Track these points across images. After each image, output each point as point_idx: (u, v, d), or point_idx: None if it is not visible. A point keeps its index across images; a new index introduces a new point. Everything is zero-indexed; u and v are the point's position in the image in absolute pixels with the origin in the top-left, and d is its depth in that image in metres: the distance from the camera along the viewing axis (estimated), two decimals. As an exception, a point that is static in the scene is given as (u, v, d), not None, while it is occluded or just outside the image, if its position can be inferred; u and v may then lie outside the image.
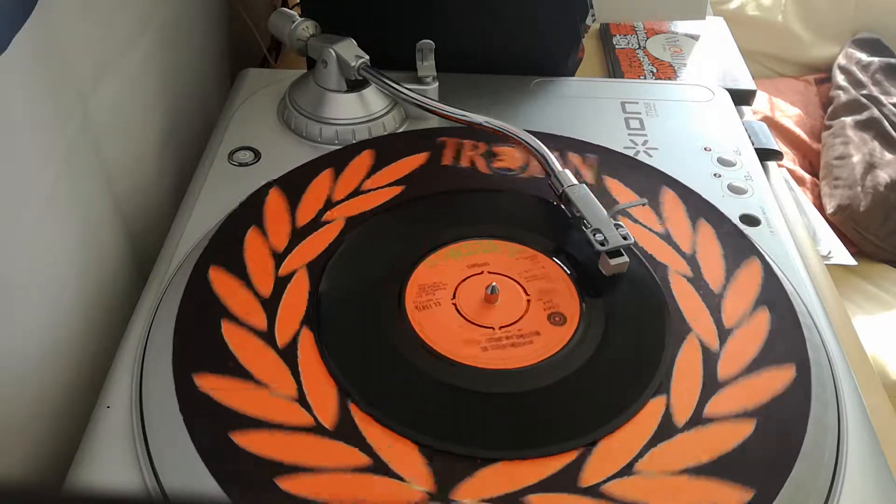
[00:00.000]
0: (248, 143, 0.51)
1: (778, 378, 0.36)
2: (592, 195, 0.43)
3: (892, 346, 0.95)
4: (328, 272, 0.41)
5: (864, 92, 1.24)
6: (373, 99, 0.52)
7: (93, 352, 0.41)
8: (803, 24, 1.36)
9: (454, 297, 0.40)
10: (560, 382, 0.36)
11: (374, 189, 0.46)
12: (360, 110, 0.52)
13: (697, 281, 0.41)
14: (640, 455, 0.33)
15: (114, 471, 0.33)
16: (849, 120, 1.20)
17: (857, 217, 1.10)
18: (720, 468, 0.33)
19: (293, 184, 0.46)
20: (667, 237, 0.44)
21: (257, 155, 0.50)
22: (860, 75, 1.27)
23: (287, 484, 0.31)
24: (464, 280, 0.41)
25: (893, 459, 0.35)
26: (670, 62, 0.71)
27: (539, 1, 0.56)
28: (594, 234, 0.41)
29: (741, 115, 0.60)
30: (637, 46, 0.74)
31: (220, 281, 0.40)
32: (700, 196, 0.47)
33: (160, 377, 0.36)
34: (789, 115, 1.26)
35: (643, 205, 0.45)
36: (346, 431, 0.33)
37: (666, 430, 0.34)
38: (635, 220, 0.45)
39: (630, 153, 0.51)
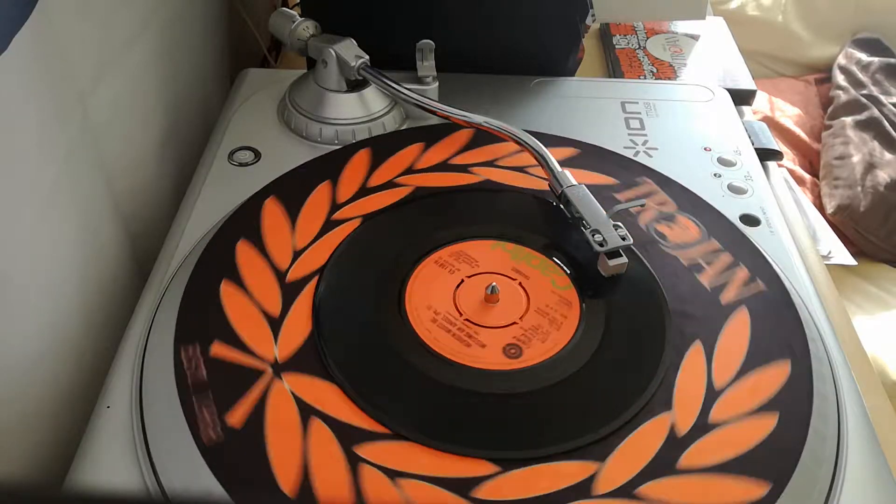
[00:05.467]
0: (248, 143, 0.51)
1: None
2: (591, 196, 0.43)
3: (892, 346, 0.95)
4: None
5: (864, 92, 1.24)
6: (373, 99, 0.52)
7: (93, 352, 0.41)
8: (803, 24, 1.36)
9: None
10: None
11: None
12: (360, 110, 0.52)
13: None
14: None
15: (114, 471, 0.33)
16: (849, 120, 1.20)
17: (857, 217, 1.10)
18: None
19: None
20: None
21: (257, 155, 0.50)
22: (860, 75, 1.27)
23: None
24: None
25: (893, 459, 0.35)
26: (670, 62, 0.71)
27: (539, 1, 0.56)
28: (593, 235, 0.41)
29: (741, 115, 0.60)
30: (637, 46, 0.74)
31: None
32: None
33: (160, 377, 0.36)
34: (789, 115, 1.26)
35: (642, 206, 0.45)
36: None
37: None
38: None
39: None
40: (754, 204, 0.48)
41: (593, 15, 0.59)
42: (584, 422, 0.34)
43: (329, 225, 0.44)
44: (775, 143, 0.58)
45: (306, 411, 0.34)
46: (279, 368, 0.36)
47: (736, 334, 0.38)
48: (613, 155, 0.50)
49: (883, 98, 1.22)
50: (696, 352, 0.38)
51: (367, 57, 0.51)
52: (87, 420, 0.35)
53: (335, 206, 0.45)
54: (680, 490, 0.32)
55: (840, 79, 1.29)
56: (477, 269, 0.42)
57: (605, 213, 0.42)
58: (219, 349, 0.37)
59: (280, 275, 0.41)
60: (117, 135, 0.45)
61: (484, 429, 0.34)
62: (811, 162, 1.23)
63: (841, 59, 1.33)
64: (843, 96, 1.25)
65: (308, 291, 0.40)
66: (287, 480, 0.32)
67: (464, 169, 0.48)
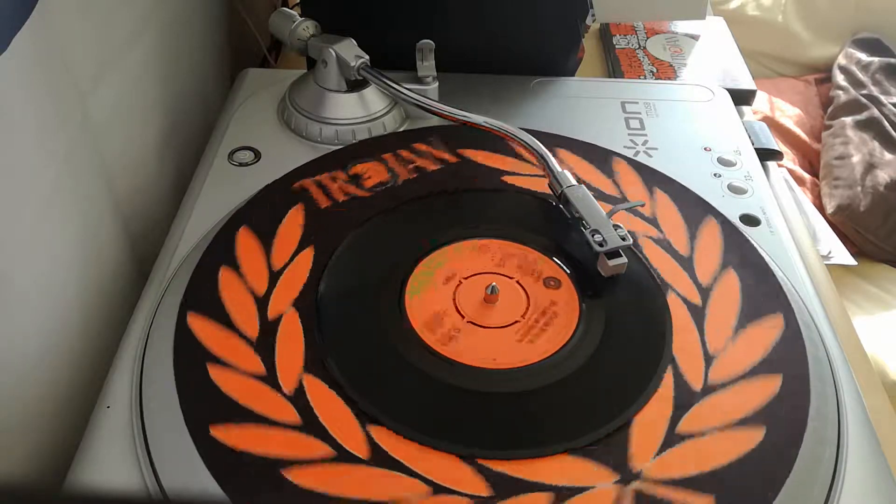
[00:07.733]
0: (248, 143, 0.51)
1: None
2: (591, 196, 0.43)
3: (892, 346, 0.95)
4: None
5: (864, 92, 1.24)
6: (373, 99, 0.52)
7: (93, 352, 0.41)
8: (803, 24, 1.36)
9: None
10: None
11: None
12: (360, 110, 0.52)
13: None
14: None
15: (114, 471, 0.33)
16: (849, 120, 1.20)
17: (857, 217, 1.10)
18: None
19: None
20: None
21: (257, 155, 0.50)
22: (860, 75, 1.27)
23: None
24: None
25: (893, 459, 0.35)
26: (670, 62, 0.71)
27: (539, 1, 0.56)
28: (593, 235, 0.41)
29: (741, 115, 0.60)
30: (637, 46, 0.74)
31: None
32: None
33: (160, 377, 0.36)
34: (789, 115, 1.26)
35: (641, 205, 0.45)
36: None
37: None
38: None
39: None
40: (754, 204, 0.48)
41: (593, 15, 0.59)
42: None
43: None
44: (775, 143, 0.58)
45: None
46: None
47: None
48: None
49: (883, 98, 1.22)
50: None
51: (367, 57, 0.51)
52: (87, 420, 0.35)
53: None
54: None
55: (840, 79, 1.29)
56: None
57: (604, 213, 0.42)
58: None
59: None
60: (117, 135, 0.45)
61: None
62: (811, 162, 1.23)
63: (841, 59, 1.33)
64: (843, 96, 1.25)
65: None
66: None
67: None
